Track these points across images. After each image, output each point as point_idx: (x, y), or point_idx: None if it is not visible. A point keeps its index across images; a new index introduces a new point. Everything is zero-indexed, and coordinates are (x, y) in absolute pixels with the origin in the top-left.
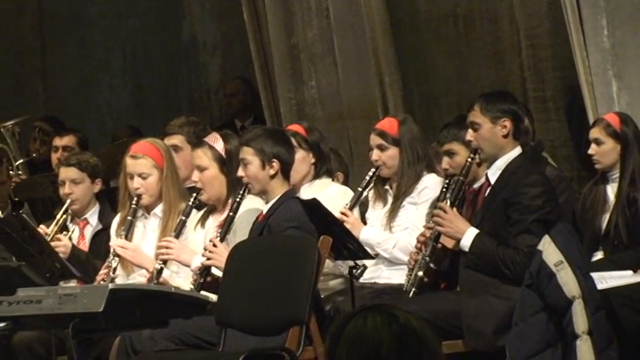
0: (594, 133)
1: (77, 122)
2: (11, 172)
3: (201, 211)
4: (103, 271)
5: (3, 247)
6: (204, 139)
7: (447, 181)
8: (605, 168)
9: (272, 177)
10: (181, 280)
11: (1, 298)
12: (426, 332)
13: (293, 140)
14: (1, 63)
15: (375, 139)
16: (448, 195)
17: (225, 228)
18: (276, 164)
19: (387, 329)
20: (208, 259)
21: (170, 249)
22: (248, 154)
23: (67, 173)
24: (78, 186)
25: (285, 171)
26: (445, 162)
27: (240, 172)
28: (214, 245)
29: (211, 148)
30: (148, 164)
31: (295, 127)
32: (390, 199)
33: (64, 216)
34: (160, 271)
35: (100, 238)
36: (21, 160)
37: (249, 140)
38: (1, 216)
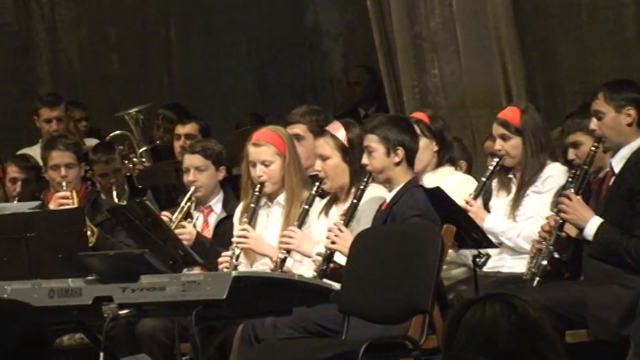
0: None
1: (201, 110)
2: (135, 159)
3: (325, 200)
4: (226, 259)
5: (126, 234)
6: (326, 128)
7: (574, 171)
8: None
9: (396, 164)
10: (304, 268)
11: (125, 285)
12: (544, 322)
13: (417, 128)
14: (126, 50)
15: (497, 129)
16: (573, 184)
17: (349, 215)
18: (400, 152)
19: (505, 318)
20: (333, 242)
21: (292, 238)
22: (372, 141)
23: (191, 160)
24: (202, 173)
25: (410, 158)
26: (571, 153)
27: (365, 160)
28: (340, 230)
29: (333, 137)
30: (271, 152)
31: (419, 115)
32: (513, 188)
33: (189, 203)
34: (283, 260)
35: (224, 226)
36: (144, 148)
37: (373, 128)
38: (124, 203)
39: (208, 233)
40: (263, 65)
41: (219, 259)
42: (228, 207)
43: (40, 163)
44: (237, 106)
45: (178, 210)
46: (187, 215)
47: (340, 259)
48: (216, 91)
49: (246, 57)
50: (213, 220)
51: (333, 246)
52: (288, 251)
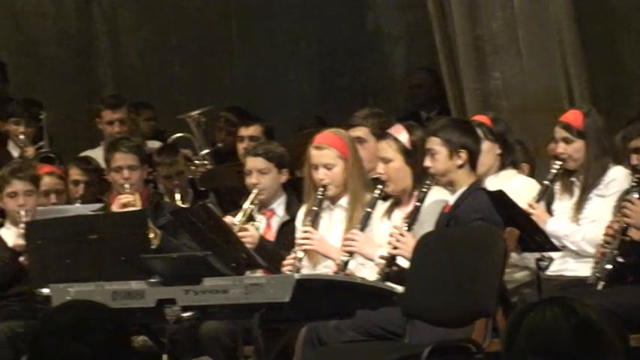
0: None
1: (263, 112)
2: (197, 162)
3: (387, 203)
4: (289, 261)
5: (189, 236)
6: (389, 131)
7: (638, 176)
8: None
9: (459, 167)
10: (367, 271)
11: (188, 287)
12: (605, 325)
13: (479, 131)
14: (188, 52)
15: (560, 132)
16: (636, 189)
17: (412, 218)
18: (463, 154)
19: (565, 322)
20: (395, 247)
21: (354, 241)
22: (435, 144)
23: (254, 163)
24: (265, 176)
25: (473, 161)
26: (634, 159)
27: (427, 163)
28: (401, 234)
29: (396, 139)
30: (333, 155)
31: (481, 118)
32: (576, 192)
33: (251, 206)
34: (346, 263)
35: (287, 229)
36: (206, 150)
37: (436, 131)
38: (187, 206)
39: (271, 236)
40: (325, 68)
41: (283, 262)
42: (291, 209)
43: (102, 165)
44: (299, 108)
45: (241, 213)
46: (250, 218)
47: (403, 262)
48: (277, 93)
49: (308, 59)
50: (275, 222)
51: (395, 251)
52: (351, 254)
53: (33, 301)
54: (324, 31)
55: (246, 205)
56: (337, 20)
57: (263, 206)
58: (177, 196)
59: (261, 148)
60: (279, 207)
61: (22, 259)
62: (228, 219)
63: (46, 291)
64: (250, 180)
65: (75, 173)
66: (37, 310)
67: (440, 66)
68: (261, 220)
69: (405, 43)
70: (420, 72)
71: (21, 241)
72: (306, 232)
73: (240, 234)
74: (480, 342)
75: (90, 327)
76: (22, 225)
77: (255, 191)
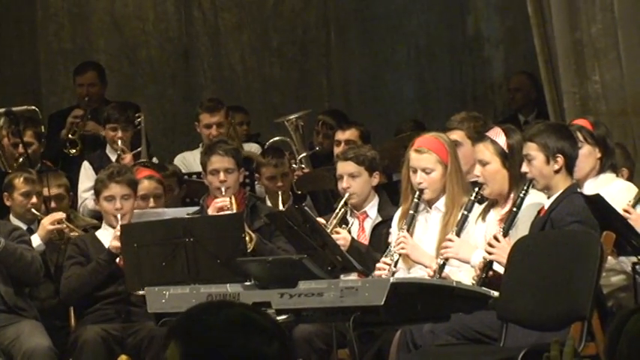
0: None
1: (361, 116)
2: (294, 165)
3: (483, 205)
4: (383, 265)
5: (285, 239)
6: (486, 134)
7: None
8: None
9: (556, 172)
10: (462, 275)
11: (283, 290)
12: None
13: (579, 135)
14: (286, 56)
15: None
16: None
17: (509, 223)
18: (560, 159)
19: None
20: (490, 253)
21: (449, 247)
22: (532, 149)
23: (344, 167)
24: (355, 179)
25: (569, 166)
26: None
27: (525, 168)
28: (497, 240)
29: (493, 142)
30: (433, 159)
31: (581, 122)
32: None
33: (343, 209)
34: (442, 266)
35: (380, 231)
36: (304, 154)
37: (532, 135)
38: (284, 209)
39: (364, 239)
40: (423, 71)
41: (378, 266)
42: (384, 212)
43: (195, 168)
44: (397, 112)
45: (333, 216)
46: (343, 221)
47: (499, 267)
48: (375, 97)
49: (406, 63)
50: (368, 225)
51: (491, 257)
52: (447, 259)
53: (127, 303)
54: (422, 35)
55: (338, 208)
56: (436, 24)
57: (355, 209)
58: (280, 199)
59: (351, 152)
60: (371, 209)
61: (117, 260)
62: (320, 221)
63: (142, 292)
64: (341, 184)
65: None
66: (131, 312)
67: (539, 70)
68: (353, 222)
69: (504, 46)
70: (519, 76)
71: (116, 243)
72: (400, 236)
73: (332, 237)
74: (576, 345)
75: (257, 323)
76: (119, 228)
77: (346, 195)
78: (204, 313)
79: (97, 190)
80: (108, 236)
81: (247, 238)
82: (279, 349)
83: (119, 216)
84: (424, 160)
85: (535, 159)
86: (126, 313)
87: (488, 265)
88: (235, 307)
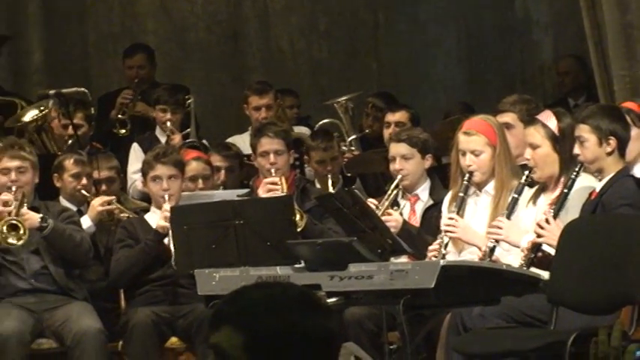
0: None
1: (410, 98)
2: (344, 147)
3: (534, 189)
4: (434, 247)
5: (334, 221)
6: (537, 117)
7: None
8: None
9: (608, 154)
10: (512, 257)
11: (333, 273)
12: None
13: (628, 117)
14: (335, 39)
15: None
16: None
17: (559, 205)
18: (612, 141)
19: None
20: (540, 235)
21: (500, 229)
22: (584, 131)
23: (397, 149)
24: (408, 161)
25: (621, 148)
26: None
27: (577, 150)
28: (548, 221)
29: (544, 125)
30: (481, 141)
31: (630, 105)
32: None
33: (395, 191)
34: (492, 249)
35: (431, 214)
36: (354, 136)
37: (585, 117)
38: (334, 191)
39: (415, 221)
40: (472, 54)
41: (429, 248)
42: (435, 195)
43: (243, 151)
44: (446, 95)
45: (385, 198)
46: (394, 203)
47: (549, 248)
48: (425, 79)
49: (455, 45)
50: (420, 208)
51: (540, 239)
52: (497, 241)
53: (177, 285)
54: (471, 17)
55: (390, 190)
56: (485, 6)
57: (407, 191)
58: (329, 182)
59: (404, 134)
60: (423, 192)
61: (166, 241)
62: (372, 204)
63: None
64: (394, 166)
65: (216, 160)
66: (181, 294)
67: (588, 53)
68: (404, 205)
69: (554, 29)
70: (568, 59)
71: (163, 223)
72: (450, 219)
73: (383, 219)
74: (626, 329)
75: (316, 300)
76: (166, 208)
77: (398, 177)
78: (261, 296)
79: (144, 171)
80: (156, 218)
81: (297, 217)
82: (338, 324)
83: (166, 196)
84: (473, 142)
85: (587, 141)
86: (175, 295)
87: (537, 246)
88: (288, 286)
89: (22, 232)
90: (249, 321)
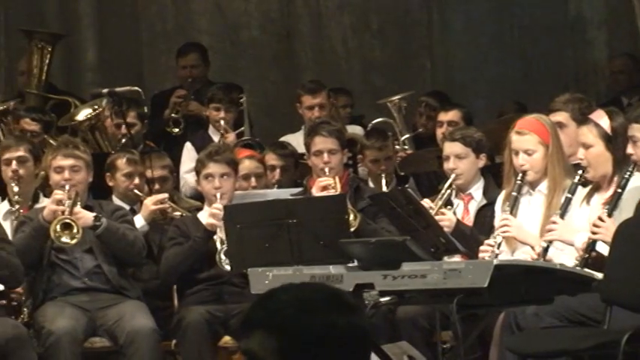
0: None
1: (463, 97)
2: (397, 146)
3: (587, 188)
4: (487, 247)
5: (388, 221)
6: (590, 116)
7: None
8: None
9: None
10: (566, 257)
11: (387, 272)
12: None
13: None
14: (389, 38)
15: None
16: None
17: (613, 205)
18: None
19: None
20: (595, 233)
21: (553, 229)
22: (637, 130)
23: (451, 148)
24: (462, 161)
25: None
26: None
27: (630, 150)
28: (602, 220)
29: (597, 125)
30: (534, 141)
31: None
32: None
33: (449, 191)
34: (546, 249)
35: (485, 213)
36: (407, 135)
37: (638, 117)
38: (387, 190)
39: (469, 221)
40: (525, 52)
41: (481, 248)
42: (489, 194)
43: (299, 150)
44: (500, 93)
45: (438, 197)
46: (447, 202)
47: (602, 248)
48: (478, 78)
49: (509, 44)
50: (473, 207)
51: (595, 237)
52: (551, 241)
53: (229, 284)
54: (525, 16)
55: (444, 189)
56: (539, 4)
57: (461, 191)
58: (383, 181)
59: (458, 133)
60: (476, 191)
61: (216, 237)
62: (425, 203)
63: (228, 268)
64: (448, 165)
65: (271, 158)
66: (233, 293)
67: None
68: (458, 204)
69: (607, 28)
70: (622, 58)
71: (212, 221)
72: (504, 218)
73: (437, 218)
74: None
75: (346, 298)
76: (215, 206)
77: (452, 176)
78: (290, 298)
79: (197, 169)
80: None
81: (351, 217)
82: (368, 322)
83: (218, 195)
84: (525, 141)
85: None
86: (227, 294)
87: (591, 245)
88: (318, 286)
89: (75, 230)
90: (281, 324)
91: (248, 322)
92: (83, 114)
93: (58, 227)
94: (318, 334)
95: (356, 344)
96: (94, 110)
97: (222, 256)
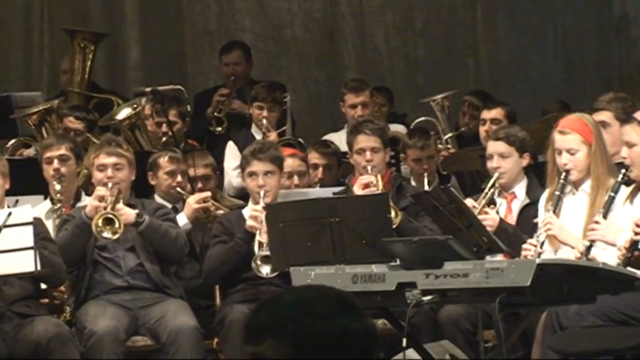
0: None
1: (507, 96)
2: (440, 145)
3: (630, 187)
4: (529, 246)
5: (430, 219)
6: (634, 115)
7: None
8: None
9: None
10: (608, 256)
11: (429, 271)
12: None
13: None
14: (433, 37)
15: None
16: None
17: None
18: None
19: None
20: (638, 234)
21: (596, 229)
22: None
23: (495, 147)
24: (506, 160)
25: None
26: None
27: None
28: None
29: None
30: (577, 140)
31: None
32: None
33: (492, 189)
34: (588, 248)
35: (528, 212)
36: (450, 134)
37: None
38: (430, 189)
39: (512, 220)
40: (569, 51)
41: (524, 247)
42: (532, 193)
43: (342, 148)
44: (543, 92)
45: (482, 196)
46: (491, 201)
47: None
48: (522, 77)
49: (553, 43)
50: (516, 206)
51: (638, 237)
52: (594, 240)
53: (271, 283)
54: (569, 15)
55: (487, 188)
56: (583, 4)
57: (504, 190)
58: (425, 180)
59: (502, 132)
60: (520, 190)
61: (257, 237)
62: (468, 202)
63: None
64: (491, 164)
65: (314, 157)
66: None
67: None
68: (501, 203)
69: None
70: None
71: (252, 223)
72: (547, 217)
73: (480, 217)
74: None
75: (352, 301)
76: (255, 207)
77: (496, 175)
78: (295, 300)
79: (242, 166)
80: None
81: (392, 214)
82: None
83: (262, 193)
84: (568, 141)
85: None
86: (269, 293)
87: (634, 245)
88: (323, 289)
89: (117, 225)
90: (290, 327)
91: (256, 328)
92: (123, 113)
93: (100, 222)
94: (328, 334)
95: (364, 344)
96: (134, 109)
97: (259, 262)
